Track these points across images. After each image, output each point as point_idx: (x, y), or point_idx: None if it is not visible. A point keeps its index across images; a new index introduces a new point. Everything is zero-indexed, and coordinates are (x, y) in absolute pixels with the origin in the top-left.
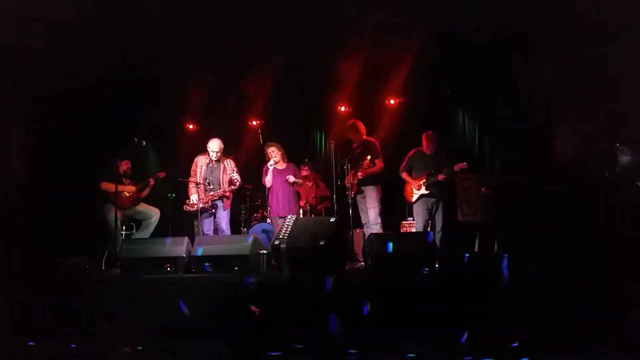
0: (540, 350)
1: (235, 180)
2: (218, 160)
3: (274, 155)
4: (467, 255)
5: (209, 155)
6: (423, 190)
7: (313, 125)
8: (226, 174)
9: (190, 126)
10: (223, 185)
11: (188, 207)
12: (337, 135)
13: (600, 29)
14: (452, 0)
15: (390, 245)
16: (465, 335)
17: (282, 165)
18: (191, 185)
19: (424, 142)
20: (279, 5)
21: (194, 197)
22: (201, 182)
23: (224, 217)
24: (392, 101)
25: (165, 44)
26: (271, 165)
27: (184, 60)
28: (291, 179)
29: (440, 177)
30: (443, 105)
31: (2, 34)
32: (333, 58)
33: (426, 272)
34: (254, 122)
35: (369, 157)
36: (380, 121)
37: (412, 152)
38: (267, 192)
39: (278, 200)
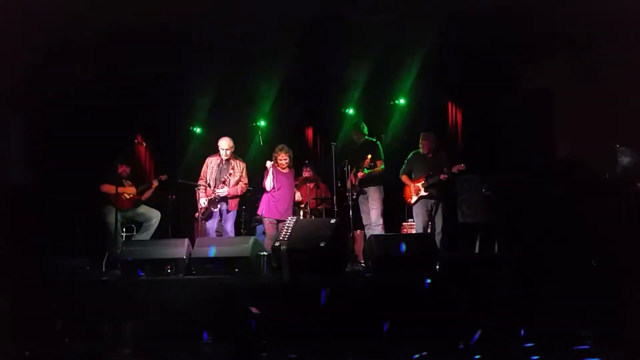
0: (540, 350)
1: (241, 182)
2: (228, 160)
3: (284, 164)
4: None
5: (219, 155)
6: (422, 192)
7: (313, 126)
8: (234, 175)
9: (192, 128)
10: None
11: (201, 216)
12: (338, 136)
13: (600, 29)
14: (452, 1)
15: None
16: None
17: (286, 170)
18: (200, 190)
19: (421, 141)
20: (281, 7)
21: (202, 201)
22: (209, 182)
23: (229, 218)
24: (393, 102)
25: (167, 45)
26: (269, 165)
27: (186, 60)
28: (297, 196)
29: (443, 176)
30: (443, 106)
31: (2, 34)
32: (336, 59)
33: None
34: (258, 123)
35: (369, 156)
36: (382, 122)
37: (411, 154)
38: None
39: (277, 203)
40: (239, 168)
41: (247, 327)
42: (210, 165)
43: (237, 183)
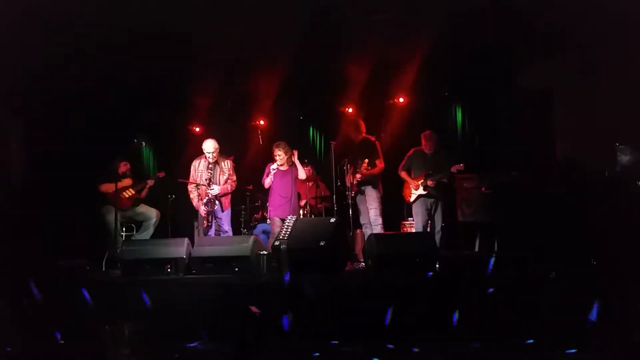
0: (539, 350)
1: (229, 180)
2: (216, 162)
3: (278, 159)
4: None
5: (205, 157)
6: (421, 191)
7: (313, 125)
8: (223, 174)
9: (191, 127)
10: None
11: (205, 227)
12: (337, 135)
13: (600, 29)
14: (452, 1)
15: None
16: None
17: (285, 167)
18: (193, 196)
19: (423, 141)
20: (281, 7)
21: (202, 208)
22: (202, 183)
23: (225, 217)
24: (393, 101)
25: (166, 45)
26: (274, 169)
27: (185, 60)
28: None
29: (430, 183)
30: (443, 105)
31: (2, 34)
32: (335, 58)
33: (430, 275)
34: (259, 122)
35: (367, 161)
36: (381, 121)
37: (411, 151)
38: (268, 192)
39: (278, 201)
40: (226, 167)
41: (248, 327)
42: (199, 169)
43: (226, 182)
